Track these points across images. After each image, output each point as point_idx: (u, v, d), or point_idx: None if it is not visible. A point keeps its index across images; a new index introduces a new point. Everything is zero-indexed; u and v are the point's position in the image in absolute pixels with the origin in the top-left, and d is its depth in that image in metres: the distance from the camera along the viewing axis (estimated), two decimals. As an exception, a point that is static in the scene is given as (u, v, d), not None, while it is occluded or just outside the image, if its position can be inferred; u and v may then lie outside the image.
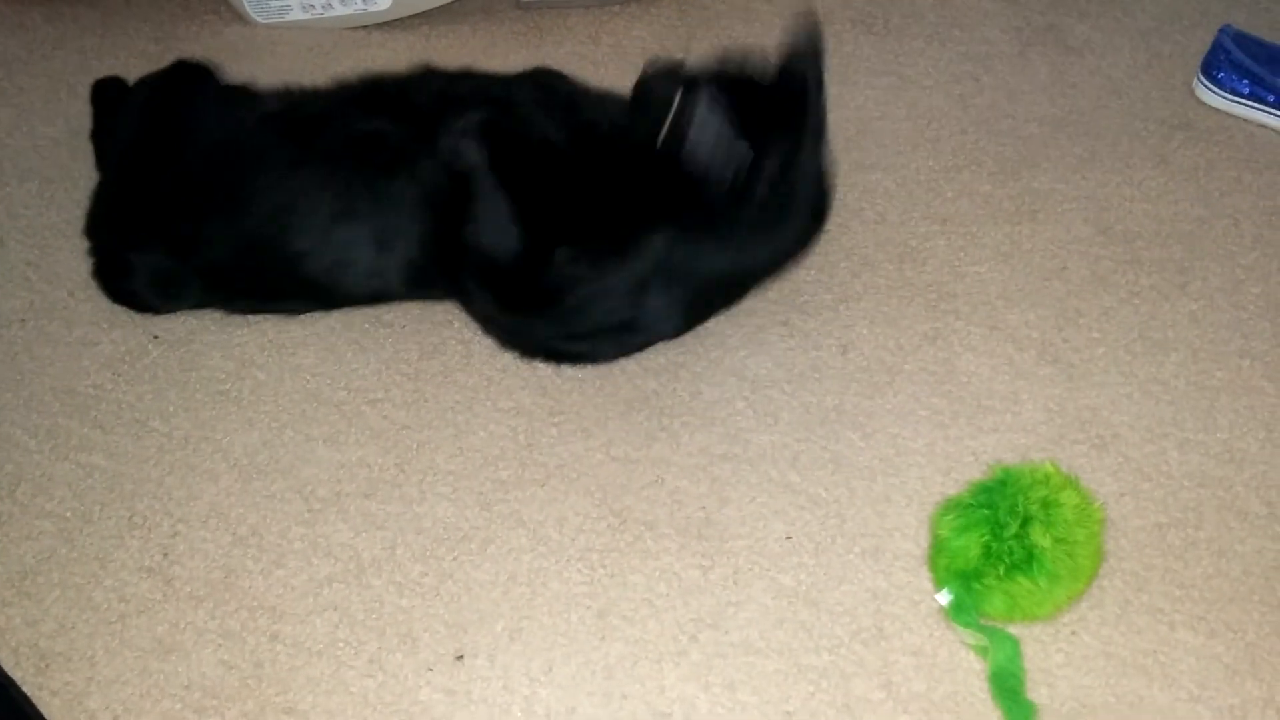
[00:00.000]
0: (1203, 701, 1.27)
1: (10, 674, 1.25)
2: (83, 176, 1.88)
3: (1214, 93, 1.99)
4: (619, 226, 1.46)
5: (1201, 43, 2.05)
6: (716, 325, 1.66)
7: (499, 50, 2.14)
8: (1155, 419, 1.54)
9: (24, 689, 1.24)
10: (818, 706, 1.28)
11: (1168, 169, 1.89)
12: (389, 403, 1.56)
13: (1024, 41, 2.13)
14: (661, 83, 1.50)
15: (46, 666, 1.30)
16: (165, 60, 1.96)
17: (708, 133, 1.45)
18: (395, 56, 2.11)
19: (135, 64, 2.10)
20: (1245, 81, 1.96)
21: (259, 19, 2.19)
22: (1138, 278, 1.72)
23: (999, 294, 1.70)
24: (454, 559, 1.40)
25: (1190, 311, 1.67)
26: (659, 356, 1.60)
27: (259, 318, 1.65)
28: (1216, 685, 1.29)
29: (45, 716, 1.23)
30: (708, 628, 1.34)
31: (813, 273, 1.73)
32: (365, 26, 2.19)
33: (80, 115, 1.98)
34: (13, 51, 2.12)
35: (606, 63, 2.12)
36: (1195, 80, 2.02)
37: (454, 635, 1.33)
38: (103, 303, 1.68)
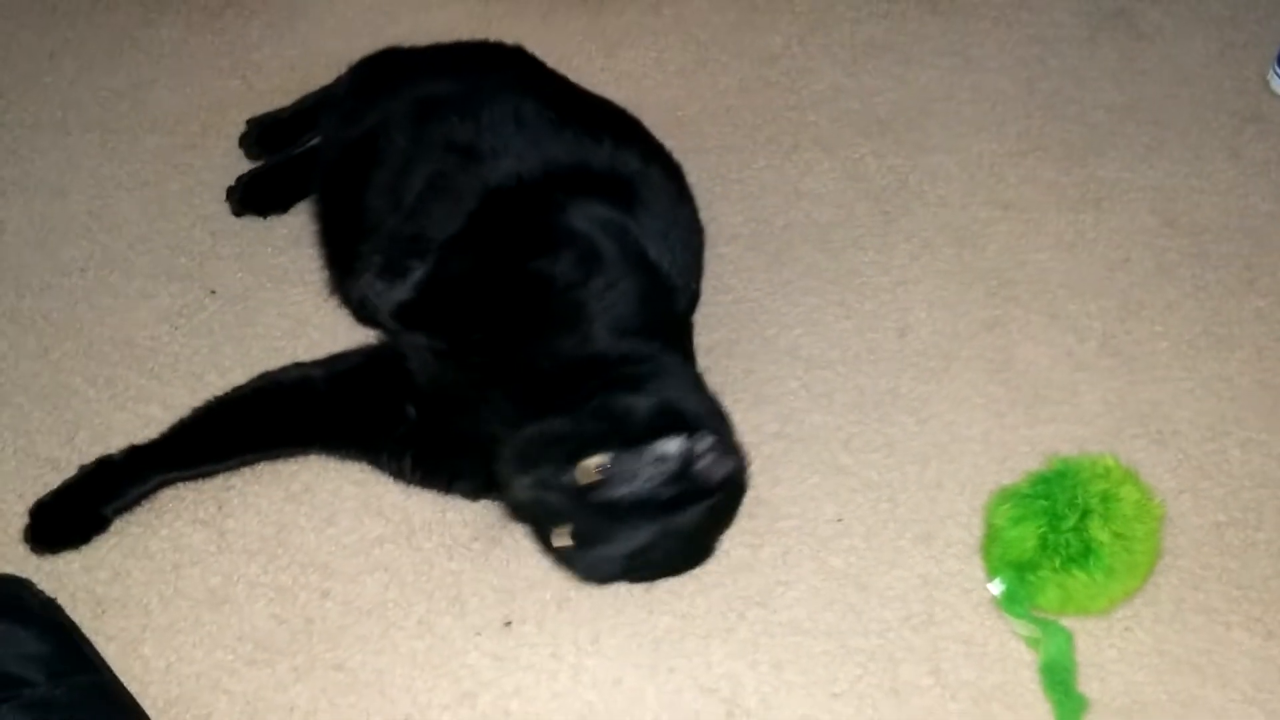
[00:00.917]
0: (1257, 704, 1.26)
1: (72, 620, 1.26)
2: (143, 129, 1.89)
3: (1288, 86, 1.96)
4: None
5: (1277, 33, 2.01)
6: (772, 303, 1.65)
7: (558, 18, 2.13)
8: (1217, 416, 1.52)
9: (84, 635, 1.25)
10: (865, 689, 1.27)
11: (1238, 162, 1.86)
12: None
13: (1093, 26, 2.10)
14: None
15: (103, 612, 1.32)
16: (226, 16, 1.96)
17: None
18: (454, 22, 2.10)
19: (197, 18, 2.11)
20: (1320, 75, 1.92)
21: (322, -23, 2.18)
22: (1204, 272, 1.69)
23: (1060, 283, 1.68)
24: (504, 525, 1.39)
25: (1257, 309, 1.65)
26: (711, 333, 1.59)
27: (315, 277, 1.65)
28: (1272, 688, 1.27)
29: (105, 660, 1.25)
30: (756, 606, 1.34)
31: (870, 254, 1.72)
32: (427, -12, 2.18)
33: (140, 68, 1.99)
34: (75, 4, 2.13)
35: (667, 33, 2.10)
36: (1270, 71, 1.98)
37: (503, 601, 1.34)
38: (162, 255, 1.69)
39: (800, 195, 1.81)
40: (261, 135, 1.83)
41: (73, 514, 1.38)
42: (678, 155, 1.68)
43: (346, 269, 1.54)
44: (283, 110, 1.86)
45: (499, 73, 1.66)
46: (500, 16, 2.14)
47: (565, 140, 1.51)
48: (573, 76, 1.76)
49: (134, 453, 1.41)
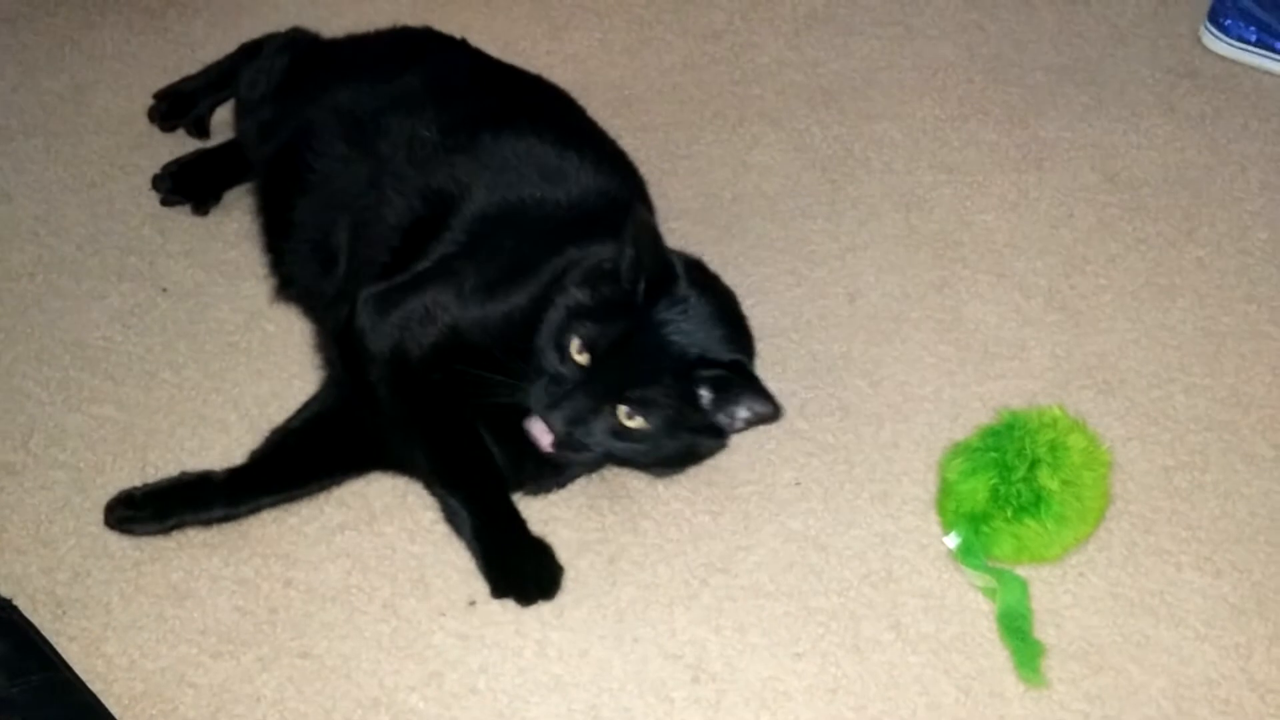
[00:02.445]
0: (1209, 640, 1.29)
1: (29, 619, 1.26)
2: (87, 131, 1.88)
3: (1221, 40, 1.99)
4: None
5: (1209, -11, 2.04)
6: (724, 274, 1.65)
7: (502, 3, 2.14)
8: (1162, 364, 1.54)
9: (43, 634, 1.25)
10: (827, 648, 1.29)
11: (1174, 117, 1.89)
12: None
13: (1030, -10, 2.12)
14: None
15: (64, 613, 1.31)
16: (169, 16, 1.96)
17: None
18: (398, 9, 2.10)
19: (138, 19, 2.09)
20: (1252, 29, 1.95)
21: (261, -27, 2.18)
22: (1144, 225, 1.72)
23: (1006, 242, 1.70)
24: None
25: (1197, 258, 1.68)
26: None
27: (266, 272, 1.65)
28: (1223, 624, 1.30)
29: (65, 660, 1.24)
30: (718, 572, 1.35)
31: (819, 222, 1.73)
32: (368, -21, 2.18)
33: (83, 70, 1.98)
34: (16, 8, 2.11)
35: (611, 14, 2.11)
36: (1202, 28, 2.01)
37: (466, 581, 1.34)
38: (111, 255, 1.68)
39: (748, 168, 1.82)
40: (170, 108, 1.84)
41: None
42: (625, 134, 1.69)
43: (309, 295, 1.55)
44: (187, 81, 1.87)
45: (417, 67, 1.65)
46: (443, 3, 2.14)
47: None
48: (518, 61, 1.76)
49: (234, 475, 1.39)
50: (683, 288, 1.31)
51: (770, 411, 1.31)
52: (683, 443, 1.33)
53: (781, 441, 1.47)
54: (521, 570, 1.32)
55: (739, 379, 1.30)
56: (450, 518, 1.36)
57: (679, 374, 1.29)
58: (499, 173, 1.46)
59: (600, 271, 1.32)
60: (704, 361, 1.29)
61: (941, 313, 1.61)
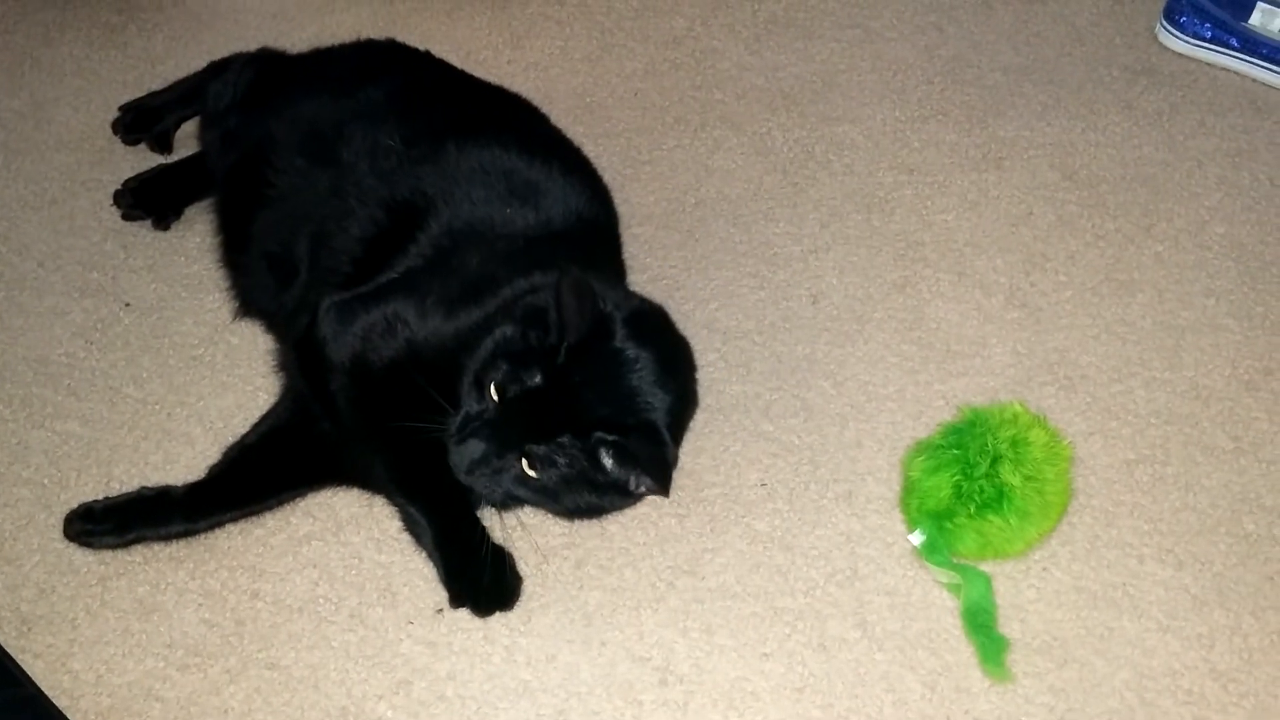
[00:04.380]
0: (1172, 631, 1.30)
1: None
2: (48, 148, 1.87)
3: (1177, 37, 2.01)
4: None
5: (1163, -12, 2.06)
6: (688, 279, 1.67)
7: (463, 14, 2.14)
8: (1122, 359, 1.56)
9: (6, 651, 1.24)
10: (794, 647, 1.29)
11: (1132, 114, 1.91)
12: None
13: (988, -9, 2.14)
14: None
15: (29, 630, 1.31)
16: (129, 32, 1.95)
17: None
18: (360, 22, 2.11)
19: (98, 35, 2.09)
20: (1207, 25, 1.98)
21: (222, -14, 2.18)
22: (1103, 221, 1.74)
23: (966, 241, 1.72)
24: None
25: (1155, 253, 1.69)
26: (631, 311, 1.61)
27: (225, 288, 1.65)
28: (1185, 615, 1.31)
29: (30, 676, 1.24)
30: (685, 574, 1.36)
31: (781, 225, 1.74)
32: (329, -9, 2.18)
33: (43, 87, 1.97)
34: (-27, 25, 2.10)
35: (572, 22, 2.12)
36: (1158, 25, 2.04)
37: (433, 589, 1.34)
38: (73, 272, 1.68)
39: (710, 172, 1.83)
40: (134, 121, 1.84)
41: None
42: (587, 141, 1.70)
43: (268, 309, 1.55)
44: (154, 96, 1.86)
45: (380, 78, 1.65)
46: (405, 15, 2.14)
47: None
48: (480, 70, 1.77)
49: (193, 491, 1.38)
50: (618, 342, 1.29)
51: (655, 488, 1.29)
52: (585, 500, 1.31)
53: (747, 443, 1.48)
54: (480, 581, 1.31)
55: (633, 449, 1.27)
56: (411, 527, 1.36)
57: (580, 434, 1.27)
58: (465, 185, 1.46)
59: (535, 312, 1.30)
60: (606, 424, 1.27)
61: (903, 312, 1.62)
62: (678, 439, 1.35)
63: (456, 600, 1.32)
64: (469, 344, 1.31)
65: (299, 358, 1.42)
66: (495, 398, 1.27)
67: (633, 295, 1.42)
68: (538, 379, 1.26)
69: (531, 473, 1.28)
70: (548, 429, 1.26)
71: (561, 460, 1.27)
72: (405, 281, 1.40)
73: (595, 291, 1.29)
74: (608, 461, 1.28)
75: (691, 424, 1.45)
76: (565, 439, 1.27)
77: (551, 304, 1.27)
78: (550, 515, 1.37)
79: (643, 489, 1.31)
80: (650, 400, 1.30)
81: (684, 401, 1.37)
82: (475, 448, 1.27)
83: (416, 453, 1.31)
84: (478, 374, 1.28)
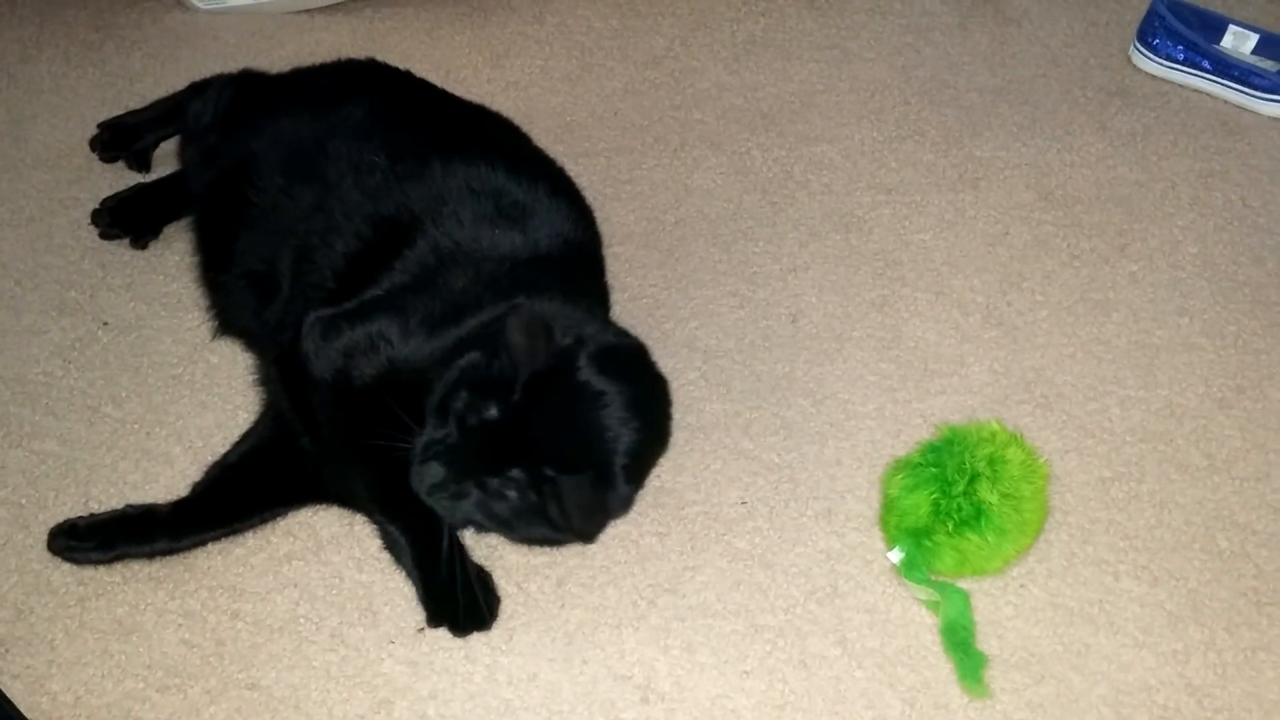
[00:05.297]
0: (1147, 647, 1.31)
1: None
2: (26, 166, 1.87)
3: (1150, 59, 2.04)
4: None
5: (1137, 10, 2.09)
6: (668, 298, 1.68)
7: (443, 32, 2.15)
8: (1097, 377, 1.58)
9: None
10: (774, 665, 1.30)
11: (1106, 135, 1.93)
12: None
13: (963, 13, 2.17)
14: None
15: (6, 651, 1.30)
16: (107, 49, 1.95)
17: None
18: (339, 41, 2.11)
19: (76, 52, 2.09)
20: (1180, 47, 2.00)
21: (200, 5, 2.18)
22: (1078, 241, 1.76)
23: (944, 260, 1.73)
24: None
25: (1130, 273, 1.71)
26: (611, 329, 1.62)
27: (204, 307, 1.64)
28: (1160, 631, 1.33)
29: (7, 698, 1.23)
30: (665, 592, 1.36)
31: (760, 244, 1.75)
32: (307, 11, 2.18)
33: (20, 105, 1.97)
34: (-50, 42, 2.10)
35: (551, 41, 2.13)
36: (1131, 47, 2.07)
37: (414, 608, 1.34)
38: (51, 290, 1.67)
39: (690, 191, 1.85)
40: (113, 139, 1.84)
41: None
42: (567, 161, 1.70)
43: (249, 327, 1.55)
44: (133, 114, 1.86)
45: (362, 97, 1.65)
46: (384, 34, 2.15)
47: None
48: (460, 89, 1.77)
49: (177, 509, 1.38)
50: (581, 376, 1.28)
51: (578, 533, 1.29)
52: (539, 532, 1.31)
53: (727, 461, 1.48)
54: (458, 600, 1.31)
55: (565, 490, 1.25)
56: (390, 546, 1.36)
57: (531, 469, 1.26)
58: (453, 204, 1.45)
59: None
60: (557, 461, 1.25)
61: (882, 331, 1.63)
62: (637, 479, 1.34)
63: (434, 619, 1.32)
64: (445, 365, 1.31)
65: (281, 372, 1.42)
66: (455, 426, 1.27)
67: (610, 327, 1.41)
68: (494, 411, 1.26)
69: (486, 502, 1.28)
70: (500, 462, 1.26)
71: (513, 494, 1.27)
72: (390, 299, 1.39)
73: (548, 327, 1.27)
74: (550, 499, 1.27)
75: (672, 442, 1.46)
76: (516, 473, 1.26)
77: (501, 342, 1.26)
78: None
79: (570, 533, 1.31)
80: (609, 438, 1.28)
81: (650, 441, 1.35)
82: (435, 471, 1.27)
83: (396, 471, 1.31)
84: (442, 399, 1.28)
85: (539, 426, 1.26)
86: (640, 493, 1.38)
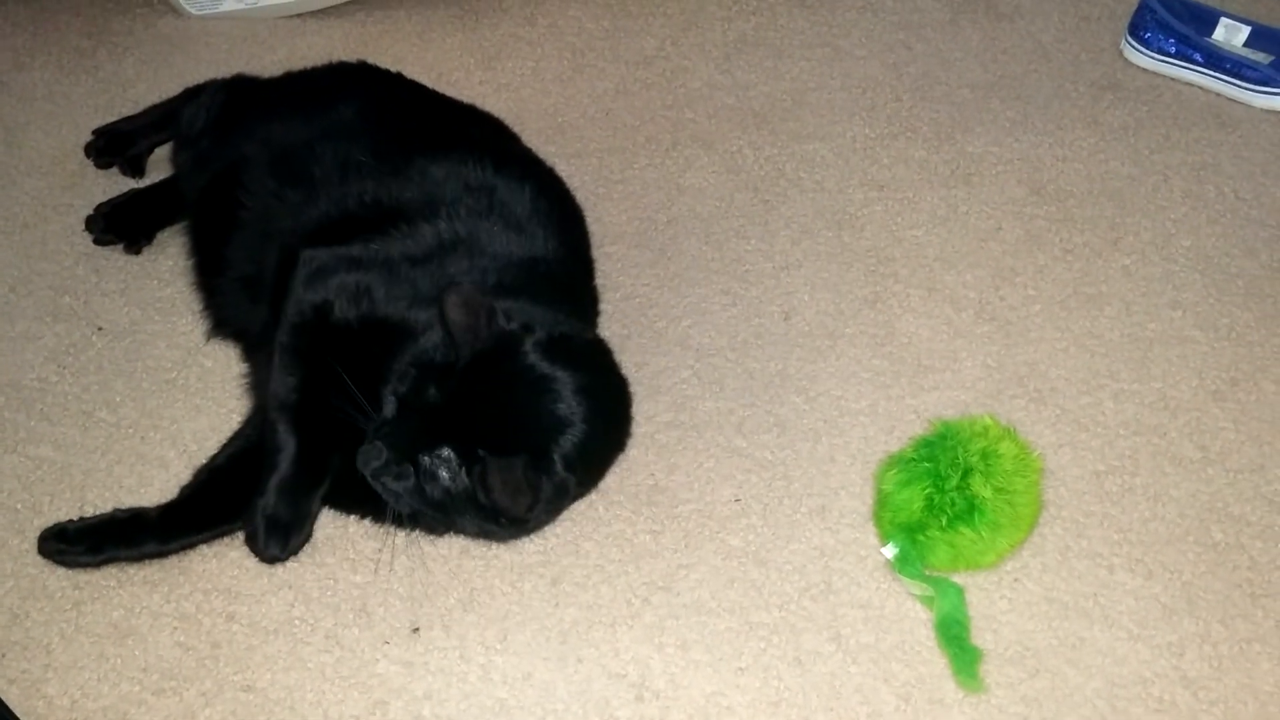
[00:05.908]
0: (1142, 640, 1.31)
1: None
2: (19, 173, 1.87)
3: (1141, 53, 2.04)
4: None
5: (1128, 4, 2.09)
6: (660, 296, 1.68)
7: (435, 35, 2.15)
8: (1091, 371, 1.58)
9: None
10: (769, 661, 1.30)
11: (1098, 129, 1.93)
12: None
13: (954, 9, 2.17)
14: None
15: (2, 656, 1.30)
16: (99, 55, 1.95)
17: None
18: (331, 45, 2.12)
19: (68, 59, 2.09)
20: (1172, 41, 2.00)
21: (192, 10, 2.18)
22: (1071, 235, 1.76)
23: (936, 256, 1.73)
24: (406, 534, 1.40)
25: (1123, 266, 1.71)
26: (602, 330, 1.62)
27: (199, 310, 1.64)
28: (1155, 624, 1.32)
29: (3, 702, 1.23)
30: (659, 590, 1.36)
31: (753, 242, 1.76)
32: (300, 15, 2.19)
33: (13, 112, 1.97)
34: (-57, 50, 2.10)
35: (543, 42, 2.13)
36: (1123, 41, 2.07)
37: (409, 608, 1.34)
38: (45, 296, 1.68)
39: (682, 190, 1.85)
40: (107, 145, 1.85)
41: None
42: (559, 161, 1.71)
43: (242, 330, 1.56)
44: (128, 120, 1.87)
45: (351, 98, 1.65)
46: (376, 37, 2.15)
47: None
48: (452, 91, 1.78)
49: (165, 512, 1.39)
50: (528, 360, 1.27)
51: (507, 517, 1.27)
52: (471, 520, 1.30)
53: (720, 459, 1.49)
54: (279, 521, 1.33)
55: (491, 470, 1.23)
56: (266, 449, 1.35)
57: (464, 450, 1.25)
58: (449, 202, 1.45)
59: None
60: (491, 444, 1.24)
61: (875, 327, 1.63)
62: (578, 471, 1.30)
63: (249, 519, 1.33)
64: (413, 339, 1.32)
65: (279, 267, 1.43)
66: (397, 405, 1.28)
67: (566, 322, 1.38)
68: (433, 391, 1.27)
69: (421, 484, 1.27)
70: (433, 440, 1.26)
71: (444, 474, 1.26)
72: (386, 260, 1.40)
73: (490, 307, 1.27)
74: (477, 480, 1.25)
75: (665, 440, 1.46)
76: (446, 452, 1.26)
77: (438, 320, 1.27)
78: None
79: (502, 521, 1.29)
80: (549, 424, 1.27)
81: (598, 434, 1.31)
82: (379, 452, 1.27)
83: (321, 400, 1.32)
84: (396, 377, 1.30)
85: (477, 407, 1.26)
86: (591, 489, 1.39)
